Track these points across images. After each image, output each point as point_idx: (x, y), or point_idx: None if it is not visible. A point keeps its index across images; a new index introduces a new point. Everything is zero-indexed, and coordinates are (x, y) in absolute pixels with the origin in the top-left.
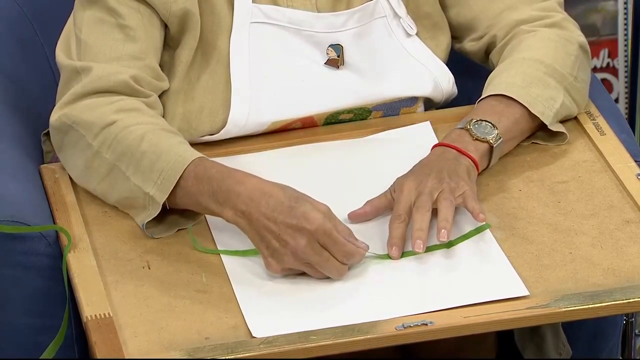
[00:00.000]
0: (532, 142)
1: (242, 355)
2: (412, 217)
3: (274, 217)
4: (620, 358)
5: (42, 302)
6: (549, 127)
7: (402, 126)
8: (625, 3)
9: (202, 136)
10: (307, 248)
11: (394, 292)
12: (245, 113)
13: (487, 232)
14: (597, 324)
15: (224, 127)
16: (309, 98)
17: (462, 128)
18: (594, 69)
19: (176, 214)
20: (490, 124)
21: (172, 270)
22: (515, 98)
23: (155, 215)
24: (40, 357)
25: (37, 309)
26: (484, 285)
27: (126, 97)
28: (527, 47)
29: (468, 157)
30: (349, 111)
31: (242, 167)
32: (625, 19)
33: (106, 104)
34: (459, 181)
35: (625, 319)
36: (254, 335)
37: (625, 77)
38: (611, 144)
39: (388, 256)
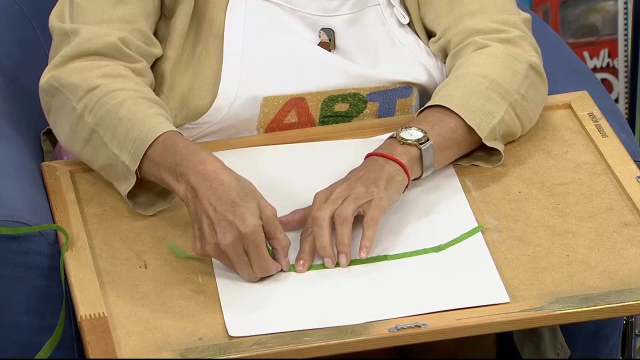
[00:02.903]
0: (472, 164)
1: (234, 356)
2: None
3: (216, 205)
4: (620, 358)
5: (42, 302)
6: (484, 141)
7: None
8: (625, 3)
9: (196, 119)
10: (231, 247)
11: (375, 295)
12: (235, 85)
13: (478, 235)
14: (596, 324)
15: (214, 101)
16: (300, 75)
17: (391, 136)
18: (594, 69)
19: (152, 193)
20: (419, 130)
21: (169, 270)
22: (451, 109)
23: (133, 184)
24: (36, 357)
25: (37, 309)
26: (466, 289)
27: (114, 62)
28: (473, 63)
29: (395, 161)
30: (342, 98)
31: (237, 161)
32: (625, 19)
33: (93, 69)
34: (370, 187)
35: (625, 319)
36: (230, 334)
37: (625, 77)
38: (612, 146)
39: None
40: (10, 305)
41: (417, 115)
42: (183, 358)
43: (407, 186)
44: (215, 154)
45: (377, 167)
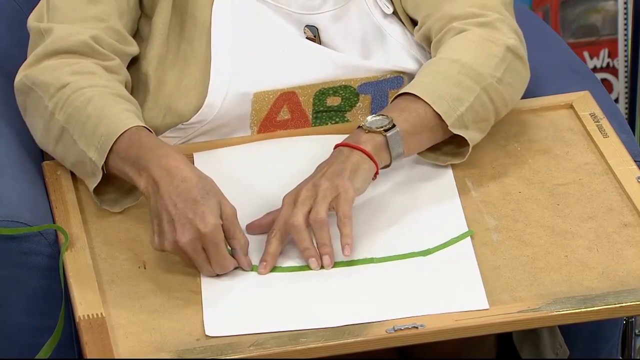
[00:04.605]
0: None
1: (231, 357)
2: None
3: (176, 201)
4: (620, 358)
5: (42, 302)
6: (449, 128)
7: None
8: (625, 3)
9: (188, 118)
10: (189, 245)
11: (355, 297)
12: (226, 82)
13: (467, 240)
14: (596, 324)
15: (204, 100)
16: (290, 68)
17: (359, 126)
18: (594, 69)
19: (123, 191)
20: (385, 117)
21: (168, 271)
22: (419, 95)
23: (99, 180)
24: (36, 357)
25: (37, 309)
26: (445, 295)
27: (86, 59)
28: (448, 48)
29: (359, 149)
30: (334, 91)
31: (228, 159)
32: (625, 19)
33: (64, 66)
34: (334, 180)
35: (625, 319)
36: (207, 333)
37: (625, 77)
38: (613, 146)
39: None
40: (10, 305)
41: (389, 104)
42: (180, 358)
43: (376, 173)
44: (202, 154)
45: (342, 158)
